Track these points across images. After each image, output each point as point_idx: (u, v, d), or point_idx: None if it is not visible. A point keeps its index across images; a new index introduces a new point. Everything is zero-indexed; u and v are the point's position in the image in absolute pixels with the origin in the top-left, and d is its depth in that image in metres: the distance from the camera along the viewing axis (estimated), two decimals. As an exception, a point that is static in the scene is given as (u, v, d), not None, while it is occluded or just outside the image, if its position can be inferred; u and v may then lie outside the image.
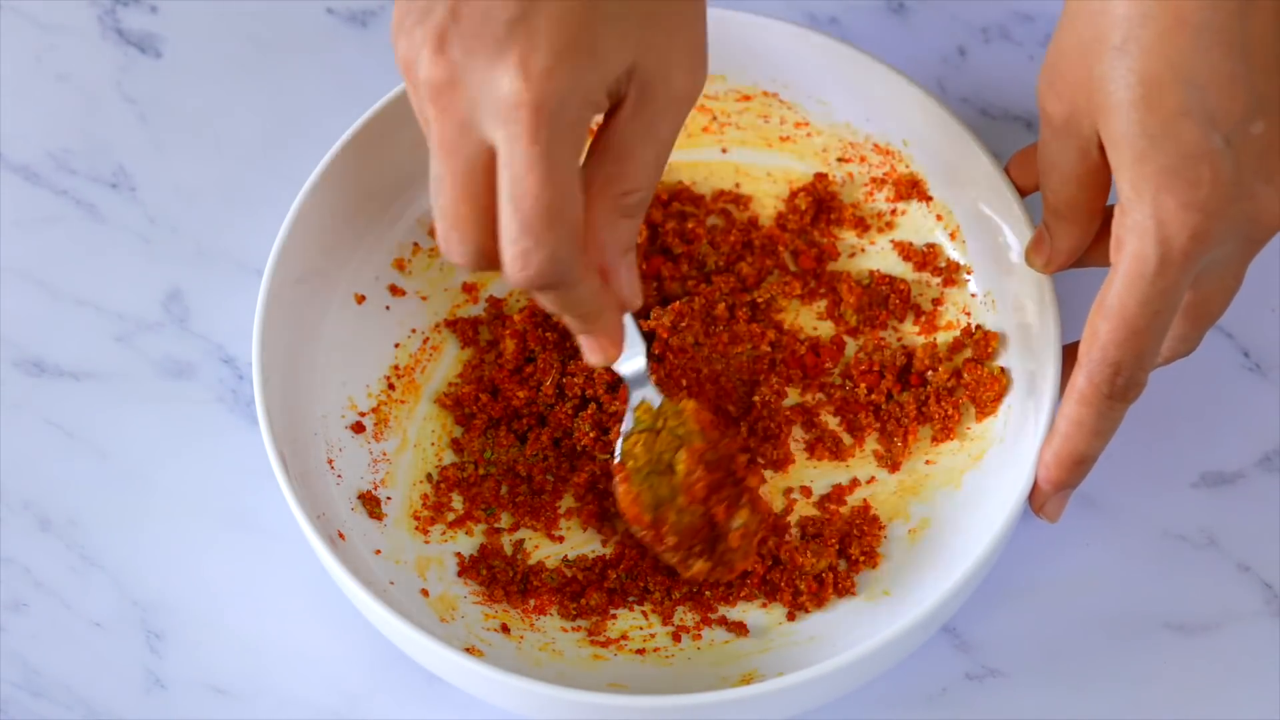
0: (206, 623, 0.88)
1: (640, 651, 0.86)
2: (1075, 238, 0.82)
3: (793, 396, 0.90)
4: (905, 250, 0.93)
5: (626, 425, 0.86)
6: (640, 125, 0.74)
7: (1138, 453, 0.90)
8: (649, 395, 0.86)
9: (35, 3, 1.00)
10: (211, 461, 0.91)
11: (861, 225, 0.94)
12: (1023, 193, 0.88)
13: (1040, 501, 0.83)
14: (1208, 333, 0.89)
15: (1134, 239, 0.75)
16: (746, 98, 0.94)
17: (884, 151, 0.93)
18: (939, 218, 0.93)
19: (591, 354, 0.79)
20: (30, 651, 0.87)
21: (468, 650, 0.83)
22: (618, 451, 0.86)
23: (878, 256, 0.94)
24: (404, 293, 0.92)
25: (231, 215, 0.96)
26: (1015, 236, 0.88)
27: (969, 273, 0.92)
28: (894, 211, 0.94)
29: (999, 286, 0.90)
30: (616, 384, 0.89)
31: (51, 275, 0.95)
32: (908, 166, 0.93)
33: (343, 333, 0.90)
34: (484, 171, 0.72)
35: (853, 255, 0.94)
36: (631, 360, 0.86)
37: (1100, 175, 0.79)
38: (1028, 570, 0.88)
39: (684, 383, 0.88)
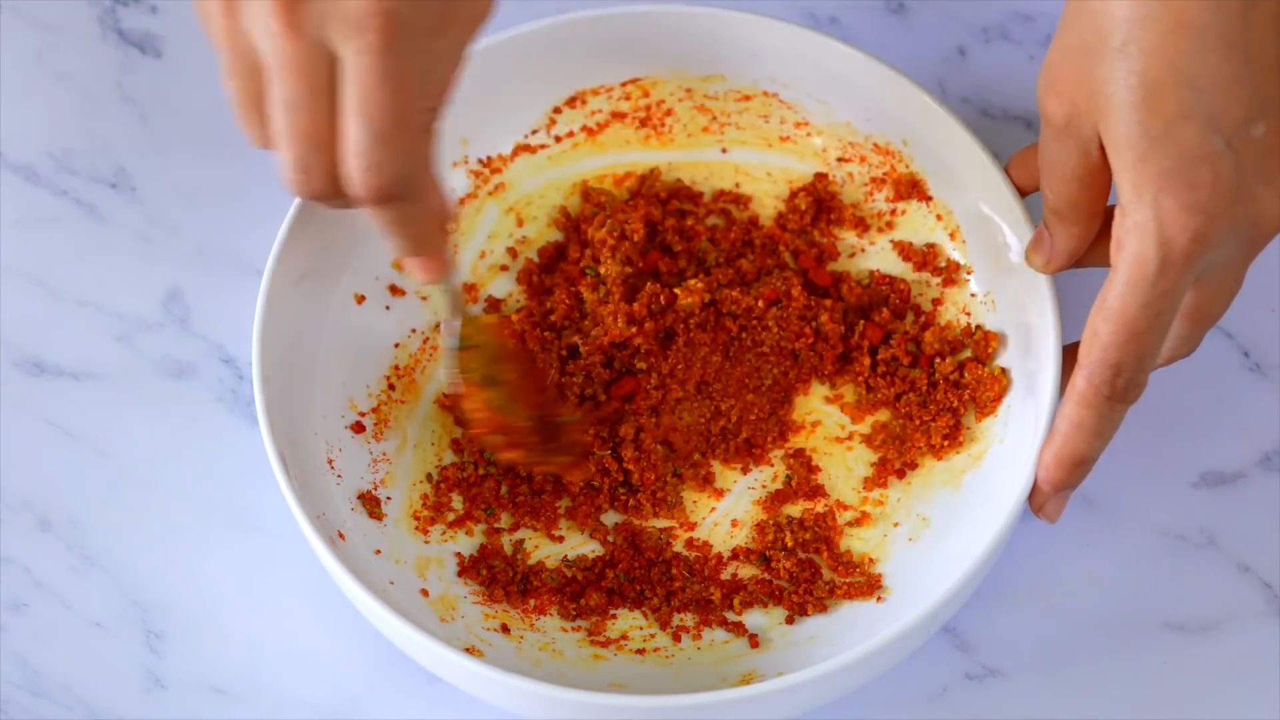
0: (206, 623, 0.88)
1: (640, 651, 0.86)
2: (1076, 238, 0.82)
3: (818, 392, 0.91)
4: (905, 250, 0.93)
5: (451, 344, 0.86)
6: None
7: (1138, 453, 0.90)
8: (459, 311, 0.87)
9: (35, 3, 1.00)
10: (211, 461, 0.91)
11: (861, 225, 0.94)
12: (1022, 193, 0.88)
13: (1040, 502, 0.83)
14: (1208, 333, 0.89)
15: (1135, 240, 0.75)
16: (746, 98, 0.94)
17: (884, 151, 0.93)
18: (939, 218, 0.93)
19: (423, 273, 0.79)
20: (30, 651, 0.87)
21: (468, 650, 0.83)
22: (454, 373, 0.86)
23: (878, 256, 0.94)
24: (404, 293, 0.92)
25: (231, 215, 0.96)
26: (1015, 236, 0.88)
27: (969, 273, 0.92)
28: (894, 211, 0.94)
29: (999, 286, 0.90)
30: (611, 382, 0.89)
31: (51, 275, 0.95)
32: (908, 166, 0.93)
33: (343, 333, 0.90)
34: (330, 88, 0.72)
35: (853, 255, 0.94)
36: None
37: (1101, 175, 0.79)
38: (1028, 570, 0.88)
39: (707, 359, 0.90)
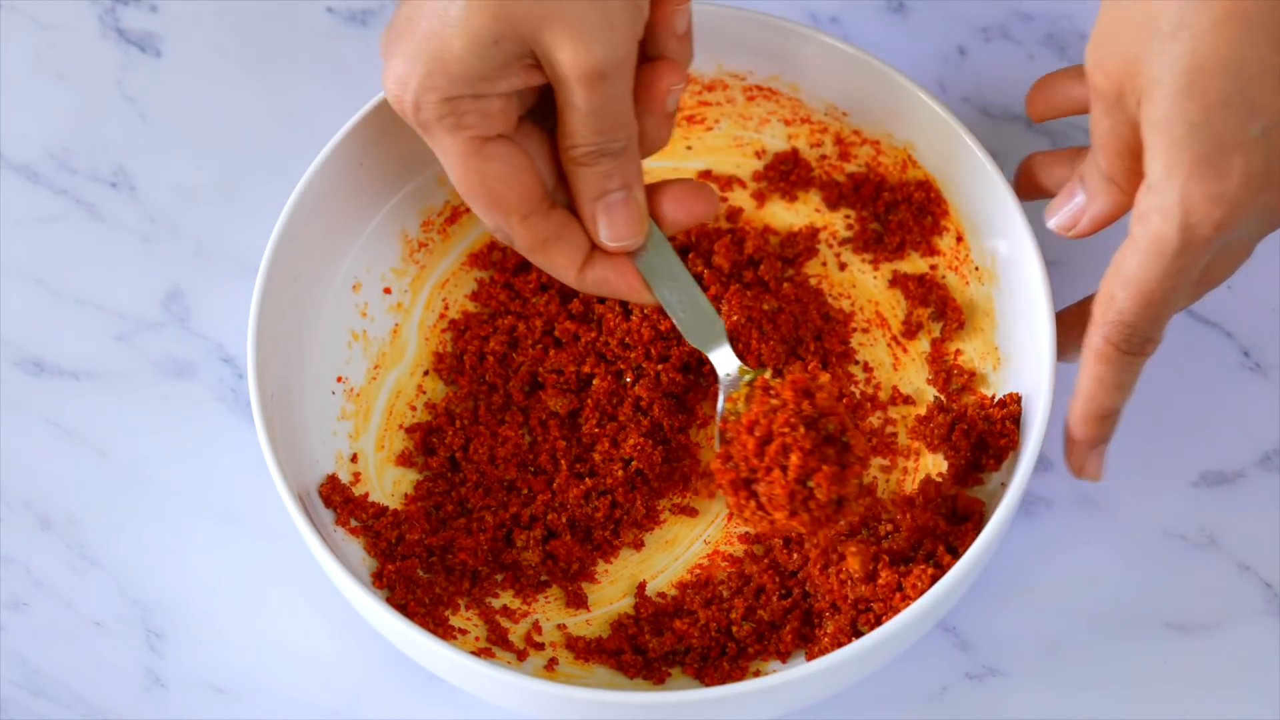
0: (206, 622, 0.88)
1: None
2: (1120, 206, 0.82)
3: None
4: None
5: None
6: (560, 97, 0.80)
7: (1138, 452, 0.90)
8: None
9: (35, 2, 1.00)
10: (212, 461, 0.91)
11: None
12: (1039, 119, 0.88)
13: (1079, 462, 0.83)
14: (1207, 332, 0.91)
15: (1159, 219, 0.76)
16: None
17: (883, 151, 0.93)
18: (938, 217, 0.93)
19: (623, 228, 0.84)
20: (30, 651, 0.87)
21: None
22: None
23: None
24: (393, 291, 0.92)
25: (231, 214, 0.96)
26: (1014, 237, 0.88)
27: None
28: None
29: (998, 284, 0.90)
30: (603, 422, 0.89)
31: (51, 275, 0.95)
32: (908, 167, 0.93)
33: (339, 329, 0.90)
34: None
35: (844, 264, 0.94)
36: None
37: None
38: (1028, 570, 0.88)
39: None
